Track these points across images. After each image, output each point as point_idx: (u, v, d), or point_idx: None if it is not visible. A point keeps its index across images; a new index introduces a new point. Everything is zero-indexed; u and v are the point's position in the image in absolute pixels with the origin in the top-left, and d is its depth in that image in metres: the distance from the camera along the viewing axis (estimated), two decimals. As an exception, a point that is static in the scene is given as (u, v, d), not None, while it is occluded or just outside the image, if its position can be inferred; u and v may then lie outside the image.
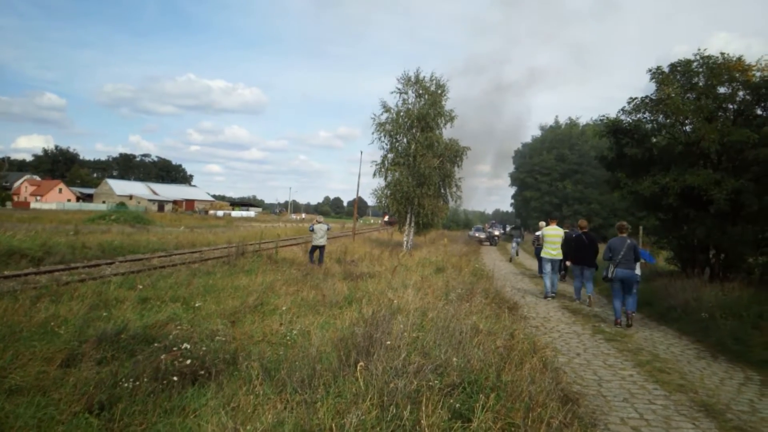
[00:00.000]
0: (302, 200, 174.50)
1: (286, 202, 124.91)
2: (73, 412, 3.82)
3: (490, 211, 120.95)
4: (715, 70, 11.65)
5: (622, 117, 12.72)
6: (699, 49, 12.09)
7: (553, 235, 11.69)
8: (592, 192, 47.96)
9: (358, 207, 35.21)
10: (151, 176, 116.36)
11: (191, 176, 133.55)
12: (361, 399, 3.53)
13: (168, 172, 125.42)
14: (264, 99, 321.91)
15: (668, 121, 12.23)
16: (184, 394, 4.18)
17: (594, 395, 5.00)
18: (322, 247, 15.21)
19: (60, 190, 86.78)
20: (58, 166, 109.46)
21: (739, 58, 11.71)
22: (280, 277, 11.10)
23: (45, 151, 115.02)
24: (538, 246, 15.28)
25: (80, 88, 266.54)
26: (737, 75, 11.49)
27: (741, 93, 11.76)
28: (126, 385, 4.13)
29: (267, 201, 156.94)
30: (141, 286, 9.09)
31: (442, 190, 22.40)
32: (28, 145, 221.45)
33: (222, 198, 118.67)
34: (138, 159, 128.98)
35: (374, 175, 21.83)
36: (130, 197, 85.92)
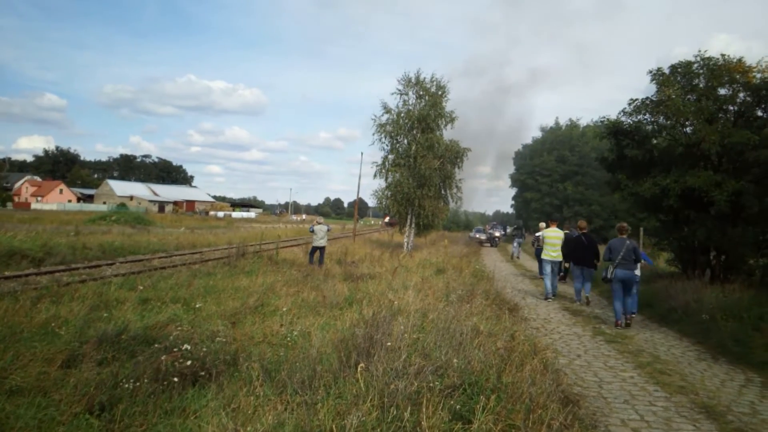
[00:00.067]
0: (303, 201, 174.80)
1: (287, 203, 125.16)
2: (73, 412, 3.82)
3: (490, 212, 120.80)
4: (716, 71, 11.66)
5: (623, 118, 12.74)
6: (699, 51, 12.13)
7: (553, 237, 11.73)
8: (592, 193, 47.92)
9: (359, 208, 35.23)
10: (152, 177, 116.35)
11: (192, 177, 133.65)
12: (362, 400, 3.53)
13: (168, 173, 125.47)
14: (264, 100, 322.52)
15: (669, 122, 12.24)
16: (185, 395, 4.18)
17: (595, 397, 5.00)
18: (322, 248, 15.21)
19: (61, 191, 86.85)
20: (58, 166, 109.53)
21: (740, 60, 11.72)
22: (280, 278, 11.11)
23: (46, 151, 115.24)
24: (538, 247, 15.29)
25: (80, 88, 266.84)
26: (738, 76, 11.50)
27: (741, 94, 11.77)
28: (126, 385, 4.14)
29: (267, 202, 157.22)
30: (141, 287, 9.10)
31: (443, 192, 22.41)
32: (29, 145, 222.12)
33: (222, 199, 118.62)
34: (138, 160, 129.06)
35: (375, 176, 21.89)
36: (131, 198, 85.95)
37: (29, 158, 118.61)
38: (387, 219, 55.54)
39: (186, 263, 14.64)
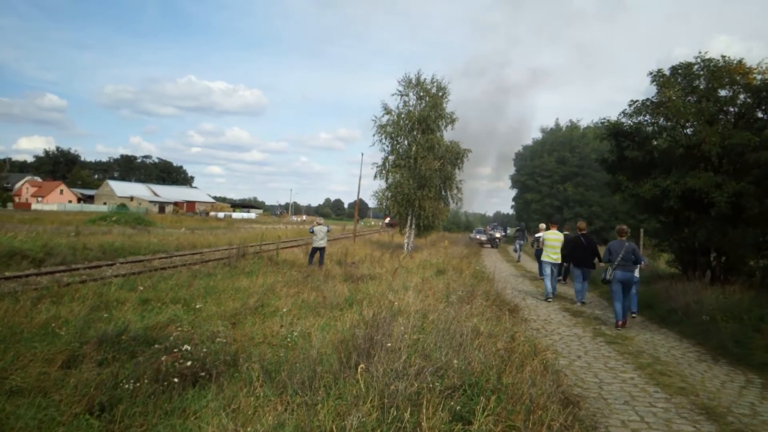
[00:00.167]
0: (303, 202, 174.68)
1: (287, 204, 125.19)
2: (73, 413, 3.82)
3: (490, 213, 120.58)
4: (716, 73, 11.67)
5: (623, 120, 12.76)
6: (700, 52, 12.15)
7: (553, 239, 11.79)
8: (593, 195, 47.89)
9: (359, 209, 35.24)
10: (152, 178, 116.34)
11: (192, 178, 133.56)
12: (362, 401, 3.53)
13: (169, 173, 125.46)
14: (264, 100, 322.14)
15: (669, 123, 12.26)
16: (185, 395, 4.18)
17: (595, 398, 4.99)
18: (322, 249, 15.22)
19: (61, 192, 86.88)
20: (59, 167, 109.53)
21: (740, 61, 11.73)
22: (280, 278, 11.11)
23: (46, 152, 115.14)
24: (537, 248, 15.30)
25: (81, 89, 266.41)
26: (738, 78, 11.51)
27: (742, 96, 11.79)
28: (127, 386, 4.14)
29: (268, 203, 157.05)
30: (142, 288, 9.10)
31: (443, 193, 22.42)
32: (29, 146, 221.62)
33: (223, 199, 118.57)
34: (139, 160, 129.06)
35: (375, 177, 21.89)
36: (131, 199, 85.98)
37: (30, 159, 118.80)
38: (387, 220, 55.48)
39: (186, 264, 14.65)
